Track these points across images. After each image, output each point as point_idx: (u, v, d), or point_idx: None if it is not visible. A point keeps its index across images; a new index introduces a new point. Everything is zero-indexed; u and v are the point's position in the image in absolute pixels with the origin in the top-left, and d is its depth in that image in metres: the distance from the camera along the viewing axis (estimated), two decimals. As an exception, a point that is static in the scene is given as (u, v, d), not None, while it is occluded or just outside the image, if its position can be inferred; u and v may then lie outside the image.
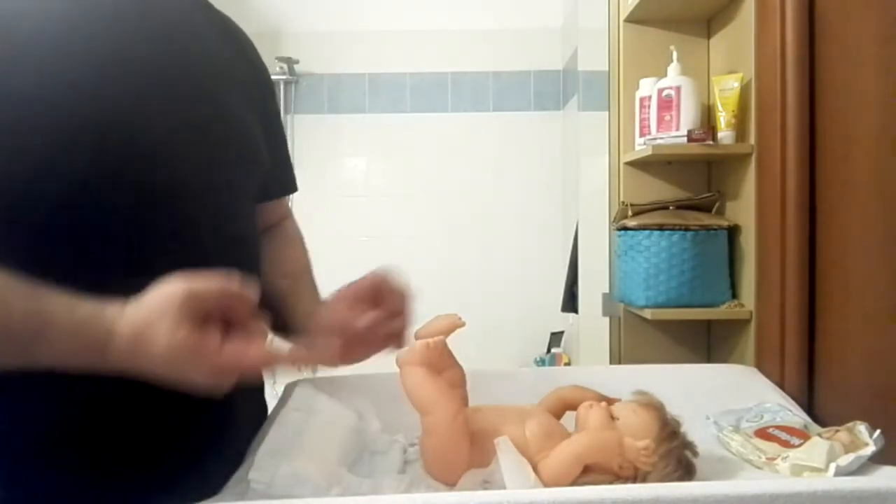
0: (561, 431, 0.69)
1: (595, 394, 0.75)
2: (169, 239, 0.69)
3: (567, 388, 0.76)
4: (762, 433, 0.76)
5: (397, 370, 0.92)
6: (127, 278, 0.61)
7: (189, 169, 0.71)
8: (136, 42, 0.68)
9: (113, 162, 0.64)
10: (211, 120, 0.75)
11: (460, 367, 0.74)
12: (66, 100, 0.61)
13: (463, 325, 0.74)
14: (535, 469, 0.64)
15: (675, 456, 0.65)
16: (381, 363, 0.90)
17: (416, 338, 0.76)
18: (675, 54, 1.43)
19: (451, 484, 0.65)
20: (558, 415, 0.74)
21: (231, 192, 0.76)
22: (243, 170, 0.79)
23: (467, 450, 0.64)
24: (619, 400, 0.74)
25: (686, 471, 0.66)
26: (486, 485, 0.63)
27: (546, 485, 0.63)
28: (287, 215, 0.97)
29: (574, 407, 0.73)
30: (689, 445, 0.67)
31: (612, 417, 0.69)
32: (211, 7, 0.83)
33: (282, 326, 0.84)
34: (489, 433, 0.66)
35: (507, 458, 0.63)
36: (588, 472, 0.64)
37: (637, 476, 0.64)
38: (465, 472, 0.64)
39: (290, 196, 0.97)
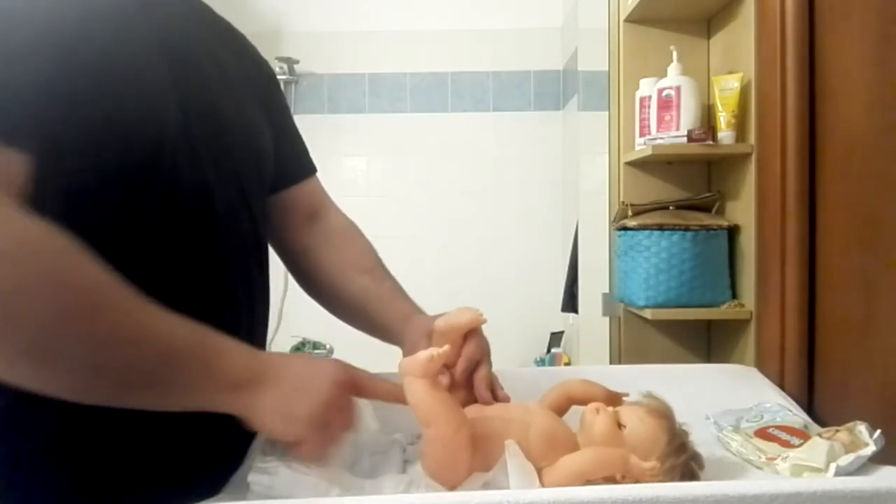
0: (565, 435, 0.69)
1: (602, 390, 0.74)
2: (192, 237, 0.70)
3: (574, 382, 0.76)
4: (762, 433, 0.76)
5: (391, 370, 0.92)
6: (150, 276, 0.61)
7: (208, 170, 0.71)
8: (152, 47, 0.68)
9: (144, 165, 0.65)
10: (226, 120, 0.76)
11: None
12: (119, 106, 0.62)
13: (484, 321, 0.75)
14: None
15: (680, 470, 0.65)
16: (380, 364, 0.90)
17: (435, 329, 0.76)
18: (675, 54, 1.43)
19: (447, 488, 0.64)
20: (563, 410, 0.74)
21: (242, 191, 0.77)
22: (253, 168, 0.80)
23: (469, 460, 0.64)
24: (626, 395, 0.73)
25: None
26: (486, 486, 0.63)
27: None
28: (326, 203, 0.97)
29: (580, 402, 0.73)
30: (695, 458, 0.67)
31: (619, 424, 0.68)
32: (208, 7, 0.84)
33: (368, 326, 0.88)
34: (491, 438, 0.65)
35: (514, 461, 0.62)
36: (589, 481, 0.64)
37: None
38: (467, 477, 0.64)
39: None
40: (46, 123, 0.57)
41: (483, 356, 0.77)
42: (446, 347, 0.67)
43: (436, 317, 0.79)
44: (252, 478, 0.62)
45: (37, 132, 0.57)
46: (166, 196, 0.67)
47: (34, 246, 0.54)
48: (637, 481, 0.63)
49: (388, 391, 0.68)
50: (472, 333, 0.76)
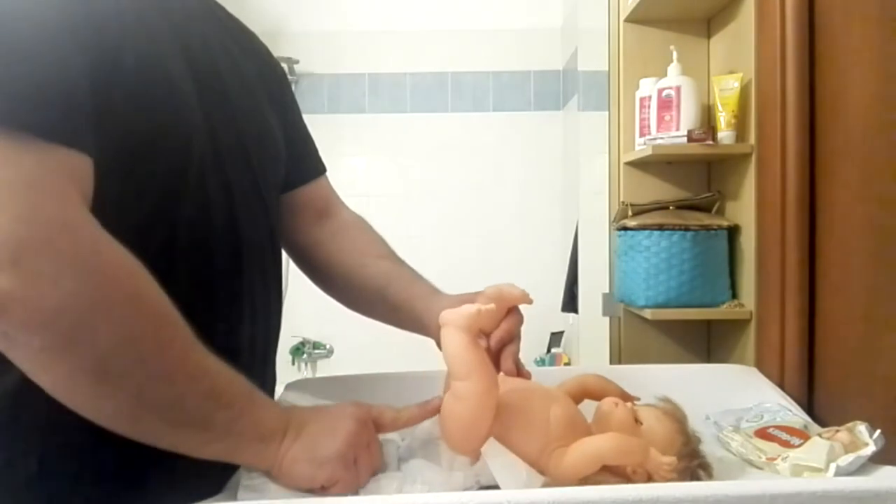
0: (583, 422, 0.69)
1: (618, 388, 0.74)
2: (216, 238, 0.71)
3: (591, 376, 0.76)
4: (762, 433, 0.76)
5: (391, 370, 0.92)
6: (177, 275, 0.63)
7: (230, 170, 0.72)
8: (174, 48, 0.68)
9: (177, 168, 0.66)
10: (243, 120, 0.77)
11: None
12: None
13: (531, 302, 0.75)
14: (550, 456, 0.64)
15: (690, 474, 0.65)
16: (380, 364, 0.90)
17: (485, 293, 0.76)
18: (675, 54, 1.43)
19: (460, 453, 0.64)
20: (576, 401, 0.74)
21: (259, 190, 0.78)
22: (269, 168, 0.81)
23: (489, 425, 0.64)
24: (638, 399, 0.74)
25: None
26: (477, 478, 0.63)
27: (561, 475, 0.62)
28: (335, 201, 0.98)
29: (594, 397, 0.73)
30: (704, 465, 0.67)
31: (636, 420, 0.68)
32: (222, 8, 0.84)
33: (388, 308, 0.88)
34: (513, 408, 0.65)
35: (497, 461, 0.62)
36: (601, 472, 0.64)
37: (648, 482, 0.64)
38: (481, 446, 0.64)
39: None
40: (99, 125, 0.57)
41: (517, 335, 0.77)
42: (492, 306, 0.67)
43: (463, 296, 0.79)
44: (242, 495, 0.62)
45: (93, 134, 0.57)
46: (194, 198, 0.68)
47: (116, 267, 0.55)
48: (649, 478, 0.63)
49: (409, 418, 0.68)
50: (513, 310, 0.77)
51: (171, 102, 0.65)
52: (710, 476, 0.66)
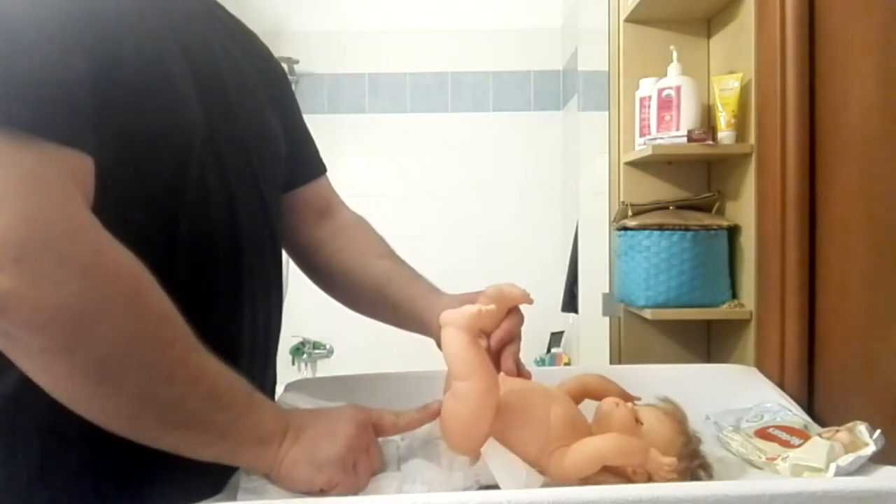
0: (583, 422, 0.69)
1: (618, 388, 0.74)
2: (216, 239, 0.71)
3: (592, 376, 0.76)
4: (762, 433, 0.76)
5: (391, 370, 0.92)
6: (176, 277, 0.62)
7: (230, 171, 0.73)
8: (174, 49, 0.68)
9: (177, 169, 0.66)
10: (243, 121, 0.77)
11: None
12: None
13: (532, 302, 0.75)
14: (550, 456, 0.64)
15: (691, 474, 0.65)
16: (379, 364, 0.90)
17: (485, 293, 0.76)
18: (675, 54, 1.43)
19: (460, 453, 0.64)
20: (577, 401, 0.74)
21: (260, 191, 0.78)
22: (269, 168, 0.81)
23: (489, 425, 0.64)
24: (639, 399, 0.74)
25: None
26: (477, 478, 0.63)
27: (561, 475, 0.63)
28: (336, 201, 0.99)
29: (595, 397, 0.73)
30: (705, 466, 0.67)
31: (637, 420, 0.68)
32: (222, 7, 0.84)
33: (388, 307, 0.88)
34: (513, 409, 0.65)
35: (496, 461, 0.62)
36: (601, 472, 0.64)
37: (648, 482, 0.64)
38: (481, 446, 0.64)
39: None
40: (99, 124, 0.57)
41: (517, 335, 0.78)
42: (493, 306, 0.67)
43: (463, 295, 0.79)
44: (241, 497, 0.62)
45: (93, 133, 0.57)
46: (195, 198, 0.68)
47: (117, 267, 0.55)
48: (649, 478, 0.63)
49: (408, 422, 0.68)
50: (513, 310, 0.77)
51: (172, 102, 0.66)
52: (710, 476, 0.66)
